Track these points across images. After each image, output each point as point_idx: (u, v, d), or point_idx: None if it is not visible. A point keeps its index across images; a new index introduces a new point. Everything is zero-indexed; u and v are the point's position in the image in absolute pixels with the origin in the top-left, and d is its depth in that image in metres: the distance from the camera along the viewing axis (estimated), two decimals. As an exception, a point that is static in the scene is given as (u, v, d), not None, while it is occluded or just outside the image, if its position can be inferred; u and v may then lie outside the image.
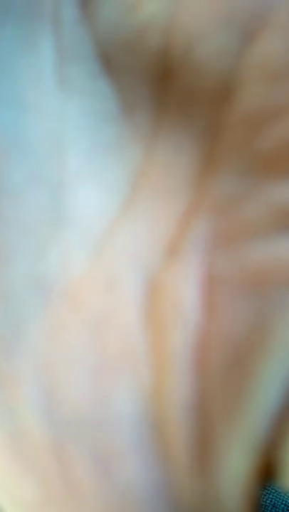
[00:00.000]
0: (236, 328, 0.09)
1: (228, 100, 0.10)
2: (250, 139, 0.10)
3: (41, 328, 0.10)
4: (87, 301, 0.10)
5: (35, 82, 0.11)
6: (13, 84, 0.11)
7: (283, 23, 0.10)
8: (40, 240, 0.10)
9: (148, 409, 0.10)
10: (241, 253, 0.10)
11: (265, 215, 0.10)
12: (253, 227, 0.10)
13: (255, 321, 0.09)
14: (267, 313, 0.09)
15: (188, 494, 0.09)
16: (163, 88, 0.11)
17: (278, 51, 0.10)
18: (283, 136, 0.10)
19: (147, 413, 0.10)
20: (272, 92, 0.10)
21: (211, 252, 0.10)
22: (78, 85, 0.11)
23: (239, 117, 0.10)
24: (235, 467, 0.09)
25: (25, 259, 0.10)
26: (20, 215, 0.10)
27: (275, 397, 0.09)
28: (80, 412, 0.10)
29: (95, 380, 0.10)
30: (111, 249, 0.10)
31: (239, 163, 0.10)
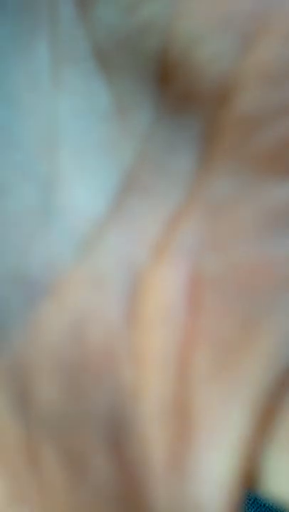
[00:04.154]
0: (222, 329, 0.09)
1: (226, 103, 0.10)
2: (246, 141, 0.10)
3: (23, 325, 0.10)
4: (72, 299, 0.10)
5: (30, 80, 0.11)
6: (8, 82, 0.11)
7: (283, 27, 0.10)
8: (26, 236, 0.10)
9: (127, 407, 0.10)
10: (230, 254, 0.10)
11: (258, 217, 0.10)
12: (245, 228, 0.10)
13: (242, 322, 0.09)
14: (254, 315, 0.09)
15: (163, 495, 0.09)
16: (160, 89, 0.11)
17: (277, 55, 0.10)
18: (279, 138, 0.10)
19: (126, 412, 0.10)
20: (270, 95, 0.10)
21: (199, 253, 0.10)
22: (73, 85, 0.11)
23: (236, 120, 0.10)
24: (216, 469, 0.09)
25: (11, 254, 0.10)
26: (8, 211, 0.10)
27: (260, 400, 0.09)
28: (56, 411, 0.10)
29: (73, 379, 0.10)
30: (98, 248, 0.10)
31: (234, 165, 0.10)
